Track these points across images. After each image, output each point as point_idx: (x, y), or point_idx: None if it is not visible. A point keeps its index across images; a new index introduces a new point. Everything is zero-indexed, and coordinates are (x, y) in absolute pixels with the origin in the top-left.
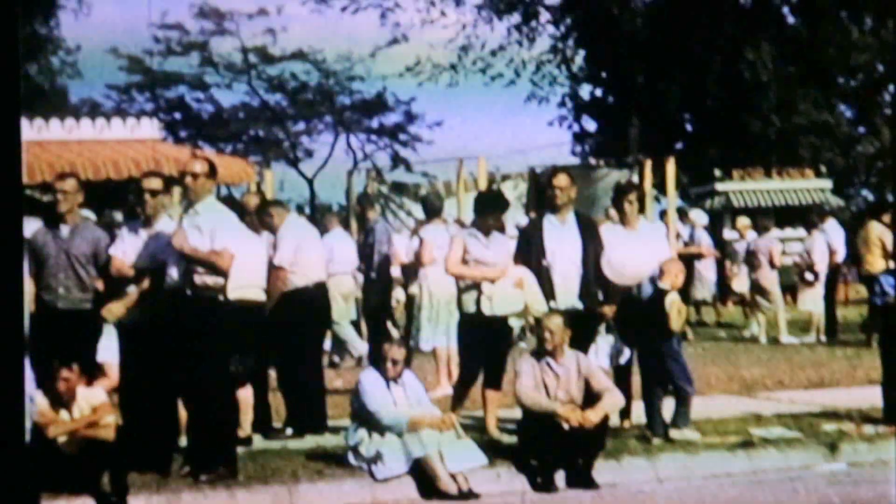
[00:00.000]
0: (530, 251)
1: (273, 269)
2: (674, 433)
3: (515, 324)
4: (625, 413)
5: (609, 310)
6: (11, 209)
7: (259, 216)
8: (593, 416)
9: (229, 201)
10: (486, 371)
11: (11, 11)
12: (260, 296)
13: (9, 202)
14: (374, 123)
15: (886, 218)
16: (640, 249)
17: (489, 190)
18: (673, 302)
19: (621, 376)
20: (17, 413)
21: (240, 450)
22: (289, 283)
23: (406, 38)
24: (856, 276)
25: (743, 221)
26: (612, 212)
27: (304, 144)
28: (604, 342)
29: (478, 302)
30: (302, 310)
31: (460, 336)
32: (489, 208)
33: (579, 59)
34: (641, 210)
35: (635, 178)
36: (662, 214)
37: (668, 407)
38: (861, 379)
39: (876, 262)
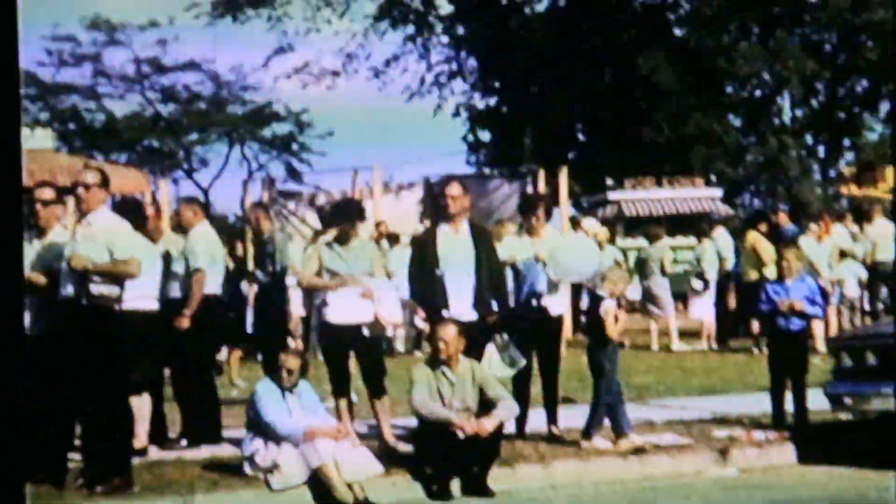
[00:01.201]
0: (424, 260)
1: (193, 273)
2: (584, 443)
3: (368, 333)
4: (521, 421)
5: (502, 319)
6: (11, 211)
7: (177, 213)
8: (488, 424)
9: (130, 206)
10: (364, 381)
11: (11, 12)
12: (153, 305)
13: (9, 204)
14: (267, 133)
15: (763, 227)
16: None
17: (343, 199)
18: (608, 309)
19: (518, 385)
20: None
21: (135, 460)
22: (205, 286)
23: (292, 48)
24: None
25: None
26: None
27: (198, 154)
28: (497, 351)
29: (320, 309)
30: (210, 317)
31: (320, 345)
32: (343, 217)
33: (473, 69)
34: (548, 218)
35: (530, 188)
36: None
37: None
38: (751, 385)
39: (750, 272)
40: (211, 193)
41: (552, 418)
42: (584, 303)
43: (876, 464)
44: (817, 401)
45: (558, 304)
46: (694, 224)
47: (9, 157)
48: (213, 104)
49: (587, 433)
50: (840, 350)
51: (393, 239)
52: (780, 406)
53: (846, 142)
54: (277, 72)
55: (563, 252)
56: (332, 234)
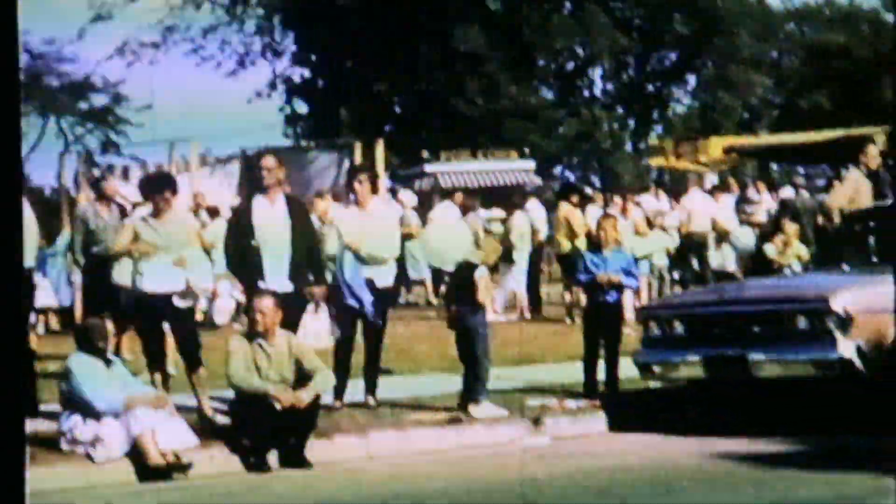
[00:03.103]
0: (239, 232)
1: None
2: (473, 410)
3: (181, 303)
4: (338, 391)
5: (319, 290)
6: (11, 209)
7: None
8: (305, 396)
9: None
10: (180, 353)
11: (12, 12)
12: None
13: (8, 202)
14: (84, 106)
15: (575, 199)
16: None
17: (155, 173)
18: (482, 276)
19: (339, 355)
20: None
21: None
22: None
23: (111, 15)
24: None
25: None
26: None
27: None
28: (313, 322)
29: (133, 278)
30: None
31: (133, 315)
32: (156, 191)
33: (289, 41)
34: (374, 191)
35: (347, 161)
36: None
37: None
38: (564, 355)
39: (563, 242)
40: (27, 166)
41: (371, 389)
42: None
43: (683, 431)
44: (626, 369)
45: (385, 277)
46: (507, 196)
47: (9, 157)
48: (27, 76)
49: (475, 399)
50: (649, 319)
51: (211, 212)
52: (592, 375)
53: (656, 114)
54: (96, 46)
55: (438, 240)
56: (146, 207)
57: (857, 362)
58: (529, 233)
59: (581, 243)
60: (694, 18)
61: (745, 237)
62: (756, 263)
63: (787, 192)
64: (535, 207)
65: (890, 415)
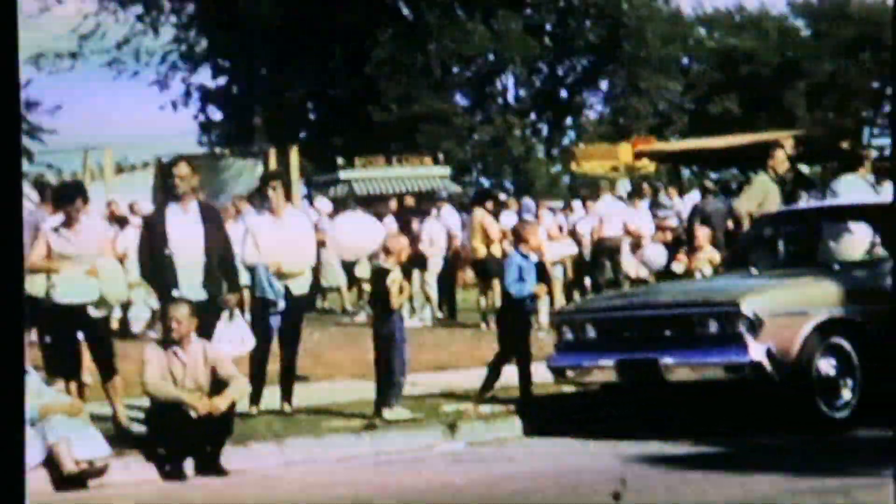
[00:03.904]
0: (153, 240)
1: None
2: (387, 413)
3: (95, 312)
4: (254, 398)
5: (233, 298)
6: (11, 207)
7: None
8: (220, 403)
9: None
10: (94, 362)
11: (11, 12)
12: None
13: (8, 201)
14: None
15: (490, 205)
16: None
17: (64, 182)
18: (395, 279)
19: (255, 362)
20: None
21: None
22: None
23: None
24: None
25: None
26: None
27: None
28: (228, 329)
29: (47, 289)
30: None
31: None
32: (66, 200)
33: (203, 48)
34: (288, 197)
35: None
36: None
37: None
38: (479, 360)
39: (478, 248)
40: None
41: (287, 396)
42: None
43: (597, 434)
44: (540, 374)
45: (301, 284)
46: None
47: (9, 157)
48: None
49: (388, 403)
50: (561, 324)
51: (125, 219)
52: (494, 377)
53: (568, 120)
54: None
55: (344, 231)
56: (58, 217)
57: (767, 365)
58: (442, 239)
59: (496, 249)
60: (604, 25)
61: (657, 251)
62: (667, 268)
63: (694, 197)
64: (449, 213)
65: (799, 416)
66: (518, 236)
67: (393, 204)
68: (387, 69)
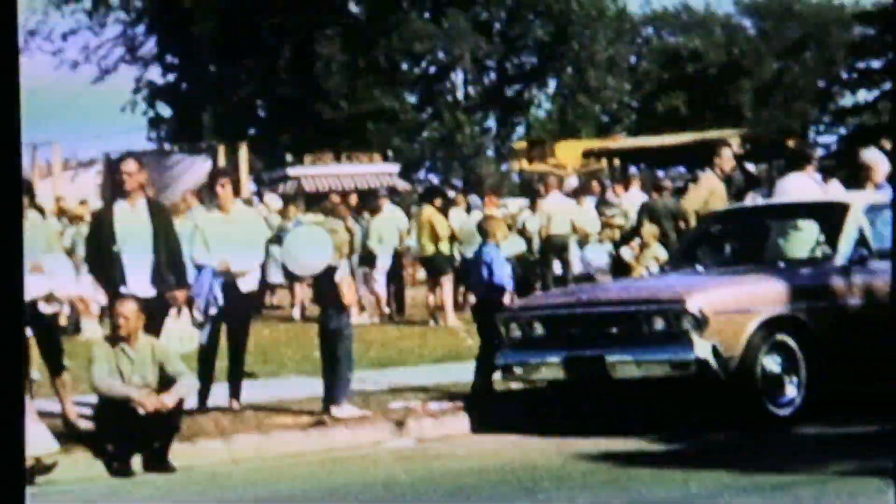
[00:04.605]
0: (101, 237)
1: None
2: (335, 410)
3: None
4: (202, 395)
5: (181, 294)
6: (11, 209)
7: None
8: (168, 400)
9: None
10: (43, 358)
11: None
12: None
13: (9, 202)
14: None
15: (438, 202)
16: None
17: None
18: (343, 277)
19: (203, 359)
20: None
21: None
22: None
23: None
24: None
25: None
26: (190, 196)
27: None
28: (176, 326)
29: None
30: None
31: None
32: None
33: (150, 45)
34: (237, 193)
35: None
36: None
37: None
38: (428, 357)
39: (427, 245)
40: None
41: (234, 393)
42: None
43: (544, 431)
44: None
45: (249, 281)
46: (368, 200)
47: (9, 156)
48: None
49: (336, 400)
50: (509, 321)
51: (74, 216)
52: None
53: (517, 118)
54: None
55: (298, 247)
56: None
57: (713, 362)
58: (391, 235)
59: (445, 246)
60: (553, 23)
61: (598, 252)
62: (615, 265)
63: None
64: (393, 211)
65: (744, 413)
66: (485, 231)
67: (335, 199)
68: (335, 66)
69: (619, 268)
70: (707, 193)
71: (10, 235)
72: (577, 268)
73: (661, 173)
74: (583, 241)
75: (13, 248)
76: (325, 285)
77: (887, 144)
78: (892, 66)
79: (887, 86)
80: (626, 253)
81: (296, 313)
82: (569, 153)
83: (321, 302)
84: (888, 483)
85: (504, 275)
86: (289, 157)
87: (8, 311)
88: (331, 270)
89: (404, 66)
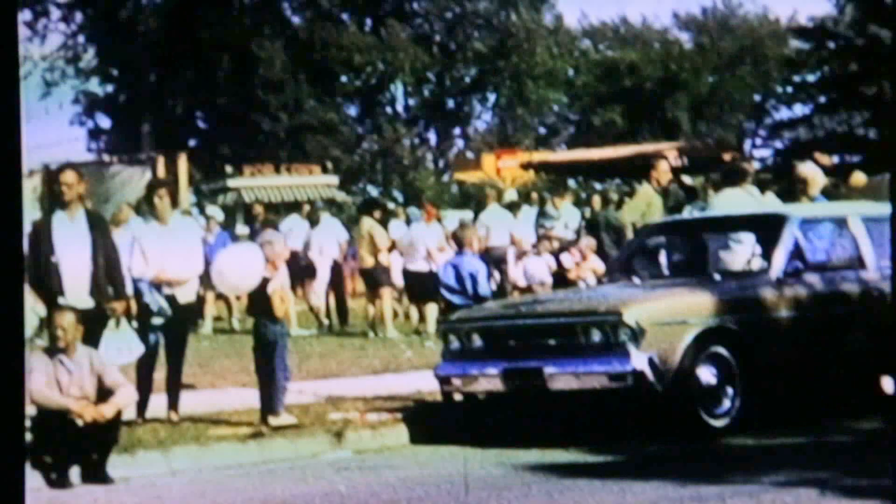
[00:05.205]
0: (39, 247)
1: None
2: (272, 420)
3: None
4: (141, 407)
5: (119, 305)
6: (11, 209)
7: None
8: (107, 411)
9: None
10: None
11: (12, 12)
12: None
13: (8, 202)
14: None
15: (377, 214)
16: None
17: None
18: (276, 289)
19: (141, 370)
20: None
21: None
22: None
23: None
24: None
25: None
26: (126, 207)
27: None
28: (114, 337)
29: None
30: None
31: None
32: None
33: (90, 56)
34: (174, 205)
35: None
36: None
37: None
38: (367, 368)
39: (366, 257)
40: None
41: (173, 404)
42: None
43: (482, 443)
44: (427, 383)
45: (187, 292)
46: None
47: (9, 156)
48: None
49: (273, 410)
50: (448, 332)
51: None
52: None
53: (457, 130)
54: None
55: (228, 267)
56: None
57: (649, 374)
58: (334, 247)
59: (384, 258)
60: (492, 36)
61: (538, 265)
62: (554, 277)
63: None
64: (331, 222)
65: (681, 424)
66: (460, 241)
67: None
68: (274, 78)
69: (560, 280)
70: (644, 206)
71: (11, 235)
72: (517, 279)
73: (597, 186)
74: (520, 254)
75: (13, 248)
76: (257, 296)
77: (822, 158)
78: (827, 81)
79: (822, 99)
80: (567, 259)
81: (234, 323)
82: (488, 167)
83: (254, 312)
84: None
85: (486, 284)
86: (228, 169)
87: (8, 311)
88: (264, 282)
89: (344, 78)
